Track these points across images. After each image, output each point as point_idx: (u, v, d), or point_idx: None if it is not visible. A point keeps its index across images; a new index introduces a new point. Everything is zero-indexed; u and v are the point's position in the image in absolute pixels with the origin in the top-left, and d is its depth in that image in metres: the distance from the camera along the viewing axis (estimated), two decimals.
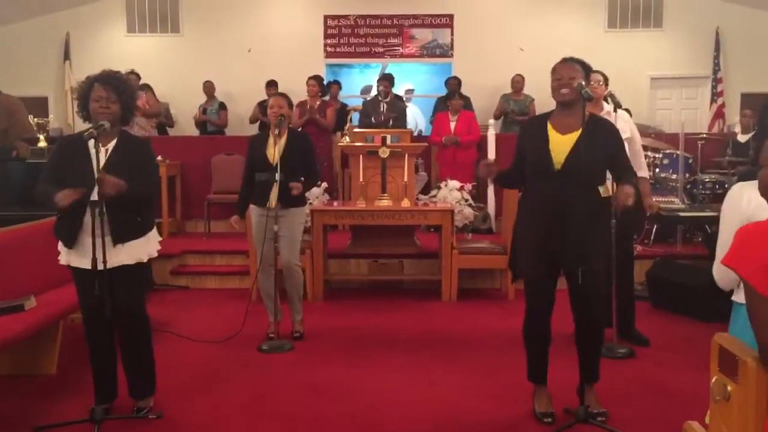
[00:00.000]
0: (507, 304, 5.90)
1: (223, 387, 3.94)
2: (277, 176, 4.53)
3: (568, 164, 3.20)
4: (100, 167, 3.20)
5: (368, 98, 8.57)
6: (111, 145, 3.33)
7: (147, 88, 8.87)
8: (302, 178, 4.70)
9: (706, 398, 1.93)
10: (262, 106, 9.03)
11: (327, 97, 8.71)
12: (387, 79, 8.31)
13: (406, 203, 6.12)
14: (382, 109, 7.92)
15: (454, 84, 9.41)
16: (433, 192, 6.90)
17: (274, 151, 4.65)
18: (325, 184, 6.66)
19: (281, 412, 3.59)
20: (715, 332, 1.91)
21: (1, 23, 10.61)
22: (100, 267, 3.14)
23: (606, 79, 4.57)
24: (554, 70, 3.33)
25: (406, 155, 6.33)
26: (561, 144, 3.23)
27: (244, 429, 3.41)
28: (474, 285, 6.37)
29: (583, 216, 3.18)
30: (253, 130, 9.38)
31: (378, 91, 8.16)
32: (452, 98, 8.31)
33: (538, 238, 3.27)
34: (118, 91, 3.32)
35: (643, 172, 4.67)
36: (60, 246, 3.37)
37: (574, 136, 3.22)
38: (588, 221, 3.20)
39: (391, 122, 7.83)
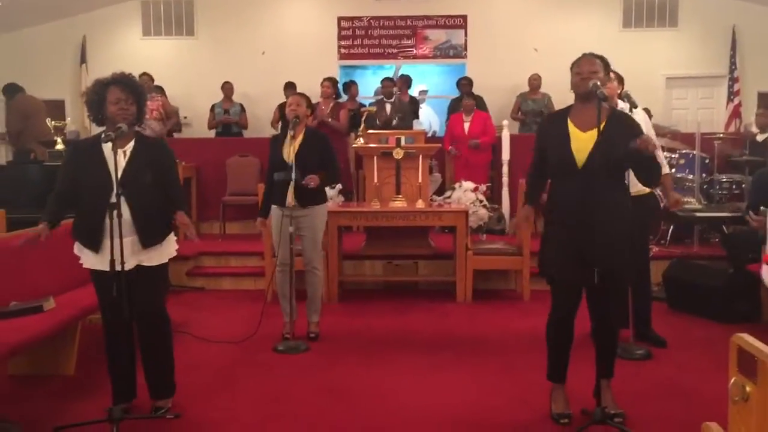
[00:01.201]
0: (522, 305, 5.89)
1: (239, 387, 3.96)
2: (293, 175, 4.56)
3: (590, 162, 3.19)
4: (119, 170, 3.23)
5: (373, 100, 8.59)
6: (129, 147, 3.35)
7: (160, 90, 8.93)
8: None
9: (724, 399, 1.92)
10: (282, 108, 9.06)
11: (342, 99, 8.72)
12: (389, 80, 8.32)
13: (420, 204, 6.12)
14: (386, 110, 7.93)
15: (465, 84, 9.40)
16: (448, 193, 6.90)
17: (289, 150, 4.67)
18: (339, 186, 6.68)
19: (296, 412, 3.61)
20: (732, 333, 1.90)
21: (18, 27, 10.71)
22: (119, 268, 3.17)
23: (621, 79, 4.54)
24: (575, 65, 3.33)
25: (420, 156, 6.33)
26: (583, 141, 3.22)
27: (259, 429, 3.43)
28: (489, 286, 6.36)
29: (607, 214, 3.18)
30: (271, 130, 9.42)
31: (381, 92, 8.20)
32: (464, 99, 8.32)
33: (566, 237, 3.26)
34: (135, 93, 3.35)
35: (664, 169, 4.62)
36: (77, 248, 3.40)
37: (595, 133, 3.20)
38: (613, 220, 3.21)
39: (395, 122, 7.85)
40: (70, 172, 3.36)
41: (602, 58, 3.36)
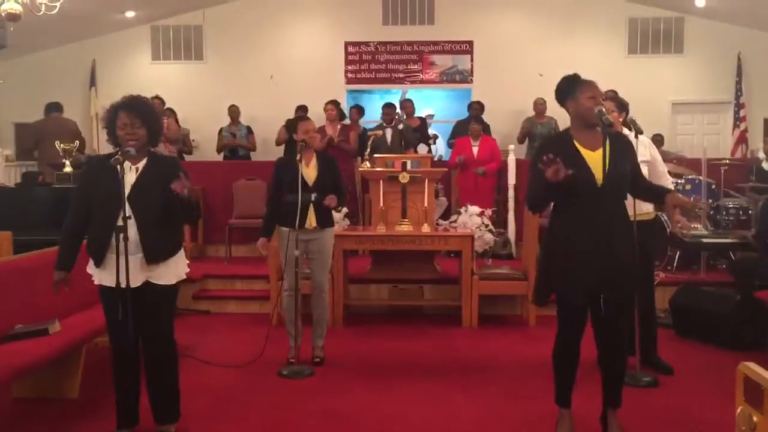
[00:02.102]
0: (528, 330, 5.86)
1: (244, 412, 3.94)
2: (313, 197, 4.62)
3: (609, 178, 3.16)
4: (131, 188, 3.26)
5: (373, 127, 8.61)
6: (141, 164, 3.37)
7: (171, 112, 9.00)
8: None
9: (731, 428, 1.90)
10: (289, 125, 9.07)
11: (346, 121, 8.76)
12: (389, 106, 8.38)
13: (426, 228, 6.12)
14: (387, 137, 7.97)
15: (477, 109, 9.43)
16: (453, 217, 6.90)
17: (309, 173, 4.70)
18: (345, 209, 6.69)
19: None
20: (740, 360, 1.89)
21: (29, 50, 10.85)
22: (123, 286, 3.17)
23: (625, 105, 4.55)
24: (586, 89, 3.28)
25: (426, 180, 6.35)
26: (594, 161, 3.19)
27: None
28: (495, 311, 6.33)
29: (624, 232, 3.22)
30: (278, 153, 9.44)
31: (382, 118, 8.27)
32: (472, 123, 8.35)
33: (584, 258, 3.16)
34: (143, 115, 3.36)
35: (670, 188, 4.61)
36: (90, 265, 3.41)
37: (601, 153, 3.20)
38: (626, 240, 3.24)
39: (403, 143, 7.88)
40: (85, 188, 3.40)
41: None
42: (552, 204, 3.39)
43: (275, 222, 4.84)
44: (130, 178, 3.29)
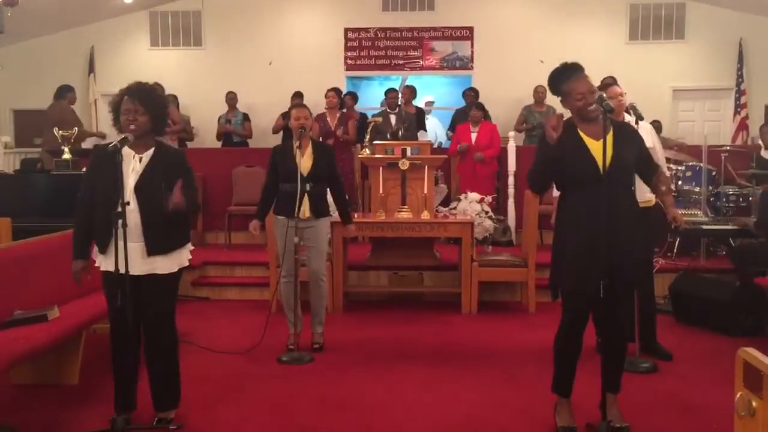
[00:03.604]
0: (528, 316, 5.87)
1: (243, 398, 3.95)
2: (308, 186, 4.60)
3: (613, 166, 3.14)
4: (136, 175, 3.28)
5: (377, 112, 8.59)
6: (146, 154, 3.36)
7: (173, 99, 8.97)
8: (328, 188, 4.83)
9: (730, 413, 1.90)
10: (286, 116, 9.06)
11: (345, 109, 8.73)
12: (393, 91, 8.35)
13: (425, 215, 6.11)
14: (391, 122, 7.95)
15: (471, 95, 9.41)
16: (453, 204, 6.89)
17: (303, 162, 4.67)
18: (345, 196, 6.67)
19: (300, 423, 3.59)
20: (739, 346, 1.89)
21: (27, 37, 10.80)
22: (122, 271, 3.16)
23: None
24: (576, 85, 3.25)
25: (426, 167, 6.33)
26: (598, 150, 3.16)
27: None
28: (494, 298, 6.34)
29: (629, 221, 3.20)
30: (276, 140, 9.43)
31: (386, 103, 8.23)
32: (470, 109, 8.33)
33: (589, 247, 3.14)
34: (145, 103, 3.35)
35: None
36: (95, 251, 3.41)
37: (608, 140, 3.17)
38: (633, 226, 3.23)
39: (401, 132, 7.86)
40: (90, 178, 3.41)
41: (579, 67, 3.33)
42: (558, 195, 3.44)
43: (269, 207, 4.84)
44: (134, 166, 3.31)
